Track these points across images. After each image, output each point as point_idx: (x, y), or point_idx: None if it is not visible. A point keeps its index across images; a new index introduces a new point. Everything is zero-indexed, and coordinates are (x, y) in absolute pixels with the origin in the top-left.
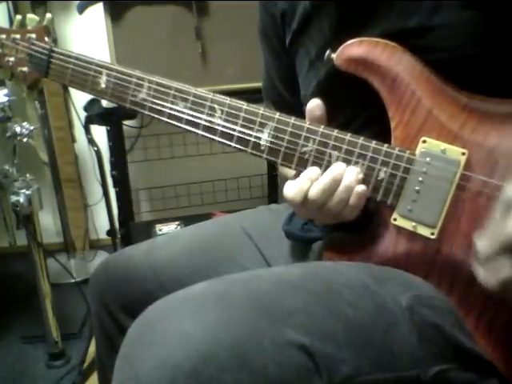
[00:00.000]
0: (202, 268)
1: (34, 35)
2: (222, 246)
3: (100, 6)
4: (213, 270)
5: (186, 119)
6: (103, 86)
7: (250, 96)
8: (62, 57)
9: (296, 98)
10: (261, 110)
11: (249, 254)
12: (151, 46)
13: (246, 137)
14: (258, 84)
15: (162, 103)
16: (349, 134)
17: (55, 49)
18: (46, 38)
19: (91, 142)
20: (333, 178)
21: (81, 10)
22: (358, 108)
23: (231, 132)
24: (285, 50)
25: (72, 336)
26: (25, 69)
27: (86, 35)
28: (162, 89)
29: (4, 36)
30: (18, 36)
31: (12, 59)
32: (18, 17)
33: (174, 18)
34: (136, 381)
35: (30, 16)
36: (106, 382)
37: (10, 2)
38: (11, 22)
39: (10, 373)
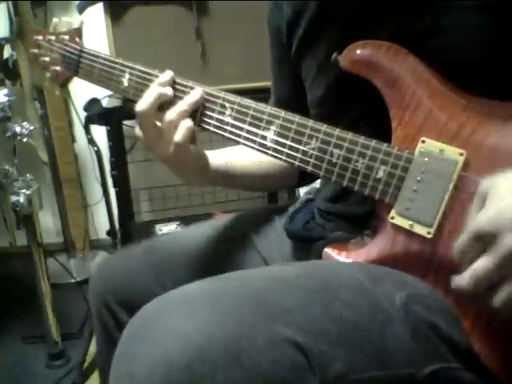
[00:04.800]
0: (202, 268)
1: (67, 37)
2: (221, 247)
3: (100, 5)
4: (212, 270)
5: (200, 119)
6: (126, 84)
7: (250, 96)
8: (90, 57)
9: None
10: (268, 108)
11: (248, 255)
12: (151, 46)
13: (253, 135)
14: (258, 84)
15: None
16: (350, 133)
17: (85, 49)
18: (78, 40)
19: (91, 141)
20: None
21: (81, 10)
22: (365, 109)
23: (239, 131)
24: (290, 59)
25: (72, 336)
26: (58, 68)
27: (86, 35)
28: (179, 87)
29: (41, 37)
30: (53, 37)
31: (47, 59)
32: (55, 19)
33: (174, 18)
34: (130, 378)
35: (65, 19)
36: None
37: (9, 2)
38: (11, 21)
39: (10, 373)
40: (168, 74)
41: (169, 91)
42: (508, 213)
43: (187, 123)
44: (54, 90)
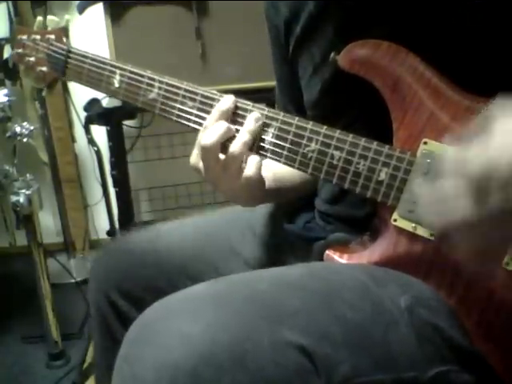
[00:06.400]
0: (207, 257)
1: (53, 36)
2: (227, 238)
3: (100, 5)
4: (217, 260)
5: (195, 120)
6: (117, 85)
7: (250, 96)
8: (78, 57)
9: (296, 109)
10: (265, 110)
11: (252, 248)
12: (151, 46)
13: None
14: (258, 84)
15: (171, 104)
16: (351, 135)
17: (72, 49)
18: (64, 39)
19: (91, 142)
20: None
21: (81, 10)
22: (361, 110)
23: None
24: (287, 60)
25: (72, 336)
26: (44, 68)
27: (86, 35)
28: (172, 89)
29: (25, 36)
30: (38, 37)
31: (32, 59)
32: (39, 18)
33: (174, 18)
34: (134, 381)
35: (51, 17)
36: (103, 372)
37: (9, 2)
38: (11, 21)
39: (10, 373)
40: (230, 101)
41: (232, 126)
42: (505, 167)
43: (256, 157)
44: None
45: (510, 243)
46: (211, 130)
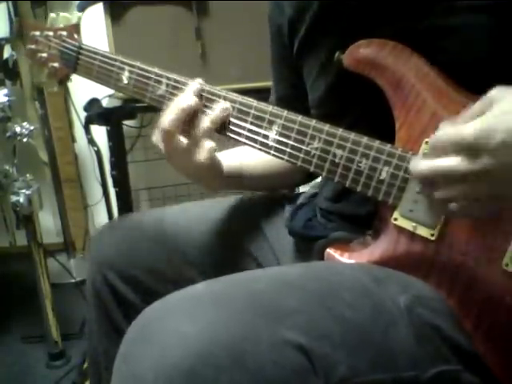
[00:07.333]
0: (209, 245)
1: (65, 33)
2: (231, 227)
3: (100, 5)
4: (221, 247)
5: None
6: (125, 82)
7: (250, 96)
8: (89, 53)
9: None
10: (270, 107)
11: (258, 244)
12: (151, 46)
13: (254, 134)
14: (259, 84)
15: None
16: (353, 133)
17: (83, 46)
18: (76, 36)
19: (91, 142)
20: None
21: (81, 10)
22: (366, 110)
23: (241, 130)
24: (290, 61)
25: (72, 336)
26: (56, 64)
27: (86, 35)
28: (179, 85)
29: (38, 33)
30: (50, 33)
31: (44, 55)
32: (52, 15)
33: (174, 18)
34: (133, 380)
35: (63, 14)
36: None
37: (9, 2)
38: (11, 21)
39: (10, 373)
40: (194, 88)
41: (191, 107)
42: (500, 134)
43: (210, 144)
44: (51, 85)
45: (496, 202)
46: (168, 113)
